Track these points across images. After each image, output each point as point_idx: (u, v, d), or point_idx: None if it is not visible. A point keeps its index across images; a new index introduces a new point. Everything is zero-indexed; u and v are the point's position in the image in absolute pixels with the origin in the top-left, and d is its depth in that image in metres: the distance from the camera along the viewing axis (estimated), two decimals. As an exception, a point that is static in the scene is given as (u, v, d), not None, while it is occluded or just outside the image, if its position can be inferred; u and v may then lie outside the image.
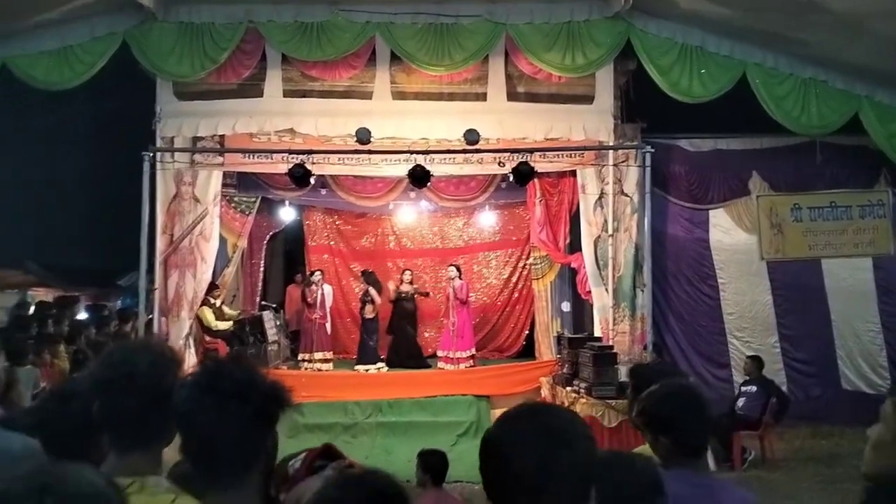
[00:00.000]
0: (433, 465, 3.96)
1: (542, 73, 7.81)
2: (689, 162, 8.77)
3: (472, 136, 6.87)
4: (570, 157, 8.26)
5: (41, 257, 13.96)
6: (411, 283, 9.66)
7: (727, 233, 8.70)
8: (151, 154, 7.24)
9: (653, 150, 7.34)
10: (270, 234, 10.77)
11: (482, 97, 8.08)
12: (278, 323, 9.35)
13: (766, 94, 7.66)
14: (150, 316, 8.03)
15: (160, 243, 7.95)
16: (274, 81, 7.92)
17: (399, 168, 8.01)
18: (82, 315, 9.56)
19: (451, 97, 8.11)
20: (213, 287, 8.58)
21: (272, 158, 8.01)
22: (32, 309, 8.83)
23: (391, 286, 9.52)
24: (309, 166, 7.40)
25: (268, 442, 1.46)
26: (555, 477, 1.15)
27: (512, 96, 8.04)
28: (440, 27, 7.62)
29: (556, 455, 1.16)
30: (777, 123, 7.76)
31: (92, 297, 14.63)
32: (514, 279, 11.00)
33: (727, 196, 8.72)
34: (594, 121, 7.98)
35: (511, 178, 7.34)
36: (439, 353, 9.55)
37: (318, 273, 9.35)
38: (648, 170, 7.28)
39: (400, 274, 9.81)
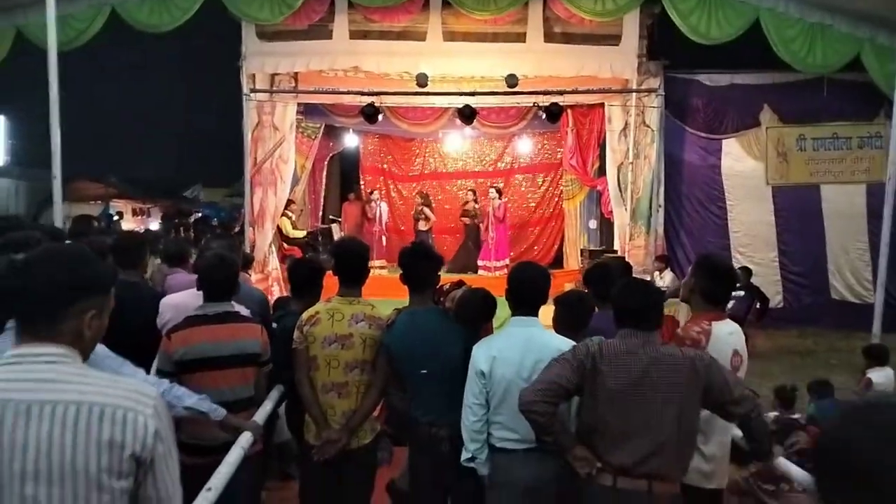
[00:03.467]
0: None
1: (575, 17, 9.19)
2: (707, 95, 10.18)
3: (511, 80, 8.44)
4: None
5: (120, 172, 16.06)
6: (475, 201, 11.51)
7: (737, 160, 10.20)
8: (248, 92, 8.94)
9: (663, 94, 8.80)
10: (330, 156, 12.58)
11: (522, 38, 9.53)
12: (342, 234, 11.28)
13: (776, 36, 8.91)
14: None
15: (247, 165, 9.80)
16: (341, 24, 9.47)
17: (448, 99, 9.66)
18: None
19: (495, 38, 9.58)
20: (289, 202, 10.49)
21: (337, 89, 9.76)
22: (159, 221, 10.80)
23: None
24: (372, 99, 9.10)
25: (437, 275, 3.32)
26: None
27: (548, 37, 9.48)
28: (487, -25, 9.00)
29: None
30: (787, 60, 9.07)
31: (164, 207, 16.86)
32: (547, 199, 12.72)
33: (739, 127, 10.16)
34: (620, 60, 9.41)
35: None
36: (479, 263, 11.43)
37: (376, 192, 11.19)
38: (660, 110, 8.78)
39: (465, 194, 11.61)
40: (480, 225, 11.32)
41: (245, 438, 2.66)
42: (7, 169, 15.96)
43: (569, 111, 10.23)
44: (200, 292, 3.28)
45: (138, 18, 9.24)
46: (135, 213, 16.92)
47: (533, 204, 12.95)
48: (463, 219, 11.40)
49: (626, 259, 9.19)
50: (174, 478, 1.50)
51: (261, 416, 2.94)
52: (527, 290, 2.94)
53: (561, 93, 8.77)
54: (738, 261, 10.19)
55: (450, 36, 9.59)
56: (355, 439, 3.14)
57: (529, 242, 12.91)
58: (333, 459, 3.09)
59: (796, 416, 5.12)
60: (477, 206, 11.45)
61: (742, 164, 10.19)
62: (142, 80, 14.15)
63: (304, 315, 3.25)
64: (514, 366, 2.76)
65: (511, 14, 9.29)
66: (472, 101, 8.99)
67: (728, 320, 3.05)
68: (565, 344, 2.78)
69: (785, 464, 2.93)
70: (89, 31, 9.33)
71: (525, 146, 12.41)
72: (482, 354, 2.83)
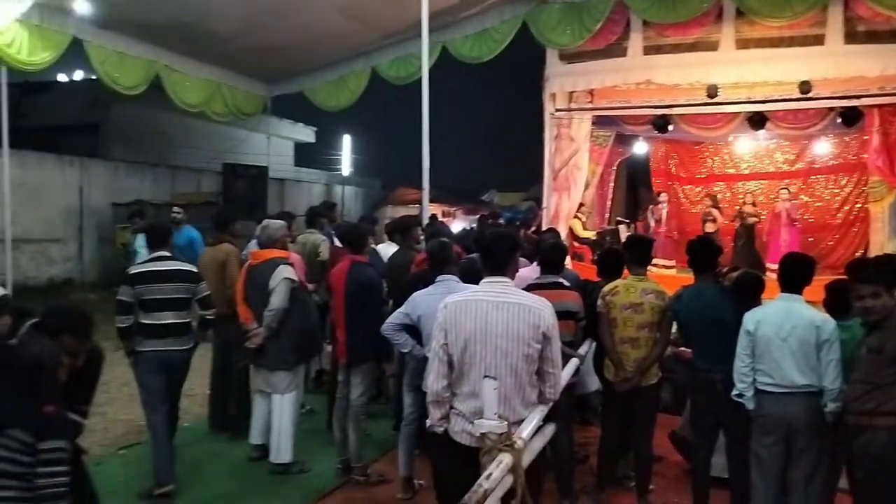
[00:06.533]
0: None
1: (880, 16, 9.08)
2: None
3: (805, 87, 8.79)
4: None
5: (431, 179, 19.10)
6: (753, 203, 11.87)
7: None
8: (553, 112, 10.58)
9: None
10: (619, 161, 13.74)
11: (820, 40, 9.62)
12: (628, 234, 12.37)
13: None
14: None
15: (546, 173, 11.41)
16: (635, 42, 10.55)
17: (739, 105, 10.20)
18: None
19: (791, 42, 9.81)
20: (580, 205, 11.92)
21: (630, 102, 10.90)
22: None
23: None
24: (663, 111, 10.08)
25: (716, 260, 4.47)
26: None
27: (849, 38, 9.42)
28: (783, -18, 9.37)
29: None
30: None
31: (465, 210, 19.51)
32: (849, 202, 12.34)
33: None
34: (932, 55, 9.05)
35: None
36: (769, 265, 11.63)
37: (663, 194, 12.10)
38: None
39: (742, 196, 12.06)
40: (757, 226, 11.65)
41: (576, 360, 4.09)
42: (350, 178, 20.20)
43: (875, 111, 10.04)
44: (536, 267, 4.81)
45: (462, 52, 11.37)
46: (443, 214, 19.92)
47: (834, 207, 12.63)
48: (735, 221, 11.82)
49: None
50: (559, 349, 2.92)
51: (581, 350, 4.36)
52: (791, 274, 3.89)
53: (859, 96, 8.83)
54: None
55: (743, 44, 10.07)
56: (644, 379, 4.38)
57: (829, 246, 12.62)
58: (628, 393, 4.37)
59: None
60: (755, 208, 11.77)
61: None
62: (453, 101, 16.81)
63: (606, 288, 4.57)
64: (775, 328, 3.75)
65: (808, 18, 9.50)
66: (764, 115, 9.44)
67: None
68: (818, 317, 3.70)
69: None
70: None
71: (824, 147, 12.21)
72: (751, 318, 3.86)
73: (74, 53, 9.38)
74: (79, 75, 21.20)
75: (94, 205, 15.74)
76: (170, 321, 4.65)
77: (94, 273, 15.58)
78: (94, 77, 14.28)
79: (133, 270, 4.80)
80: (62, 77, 21.30)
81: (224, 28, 10.26)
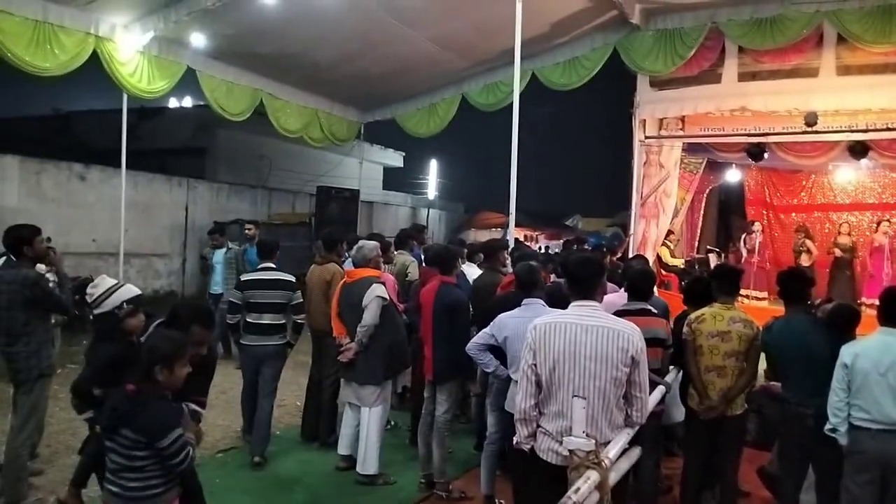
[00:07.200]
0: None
1: None
2: None
3: (912, 115, 8.40)
4: None
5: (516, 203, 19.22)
6: (849, 234, 11.36)
7: None
8: (643, 139, 10.53)
9: None
10: (709, 188, 13.44)
11: (929, 65, 9.22)
12: (718, 263, 12.05)
13: None
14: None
15: (633, 199, 11.31)
16: (730, 68, 10.33)
17: (840, 134, 9.82)
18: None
19: (896, 69, 9.46)
20: (668, 233, 11.73)
21: (723, 129, 10.67)
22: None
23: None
24: (758, 138, 9.84)
25: (808, 292, 4.39)
26: None
27: (961, 62, 9.01)
28: (888, 7, 9.01)
29: None
30: None
31: (548, 235, 19.47)
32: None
33: None
34: None
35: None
36: (865, 300, 11.04)
37: (757, 223, 11.75)
38: None
39: (838, 227, 11.57)
40: (855, 259, 11.11)
41: (661, 388, 4.08)
42: (435, 202, 20.59)
43: None
44: (624, 293, 4.83)
45: (552, 80, 11.46)
46: (526, 238, 19.96)
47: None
48: (834, 252, 11.37)
49: None
50: (646, 374, 2.96)
51: (668, 379, 4.33)
52: (891, 308, 3.78)
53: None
54: None
55: (844, 70, 9.72)
56: (729, 409, 4.31)
57: (939, 283, 11.87)
58: (712, 422, 4.31)
59: None
60: (850, 237, 11.26)
61: None
62: (539, 126, 16.91)
63: (692, 315, 4.54)
64: (873, 362, 3.64)
65: (916, 42, 9.11)
66: (867, 144, 9.09)
67: None
68: (923, 351, 3.57)
69: None
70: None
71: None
72: (848, 351, 3.77)
73: (185, 82, 10.12)
74: (187, 102, 22.63)
75: (197, 223, 16.67)
76: (267, 322, 5.59)
77: (194, 287, 16.48)
78: (202, 104, 15.22)
79: (244, 277, 5.84)
80: (181, 102, 22.75)
81: (323, 59, 10.81)
